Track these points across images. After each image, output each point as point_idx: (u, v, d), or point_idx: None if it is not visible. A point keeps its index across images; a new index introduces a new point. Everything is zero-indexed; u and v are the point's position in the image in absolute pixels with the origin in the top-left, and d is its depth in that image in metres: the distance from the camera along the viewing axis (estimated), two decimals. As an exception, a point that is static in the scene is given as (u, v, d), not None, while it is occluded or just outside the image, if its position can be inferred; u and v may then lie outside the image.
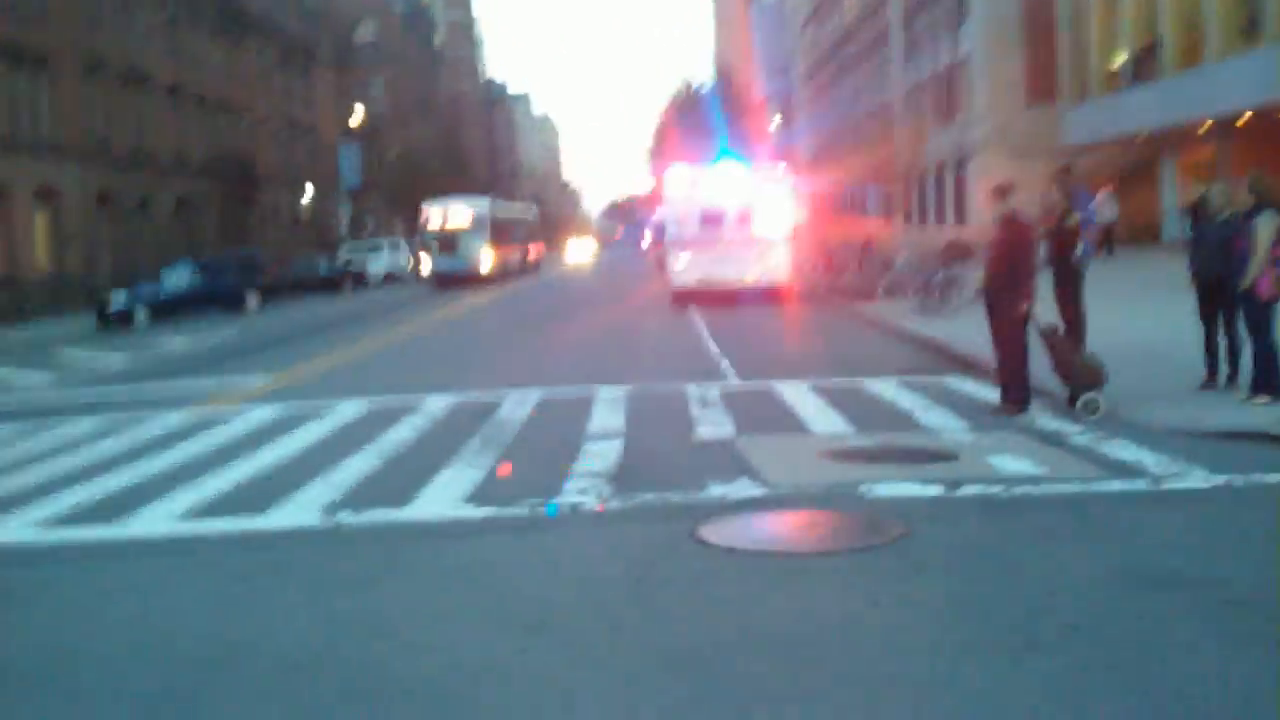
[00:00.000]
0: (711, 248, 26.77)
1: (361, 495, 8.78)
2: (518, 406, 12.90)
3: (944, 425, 10.56)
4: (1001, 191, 11.35)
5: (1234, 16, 29.80)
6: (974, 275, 20.61)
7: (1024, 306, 10.88)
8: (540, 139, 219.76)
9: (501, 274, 47.57)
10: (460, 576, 6.75)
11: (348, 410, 13.37)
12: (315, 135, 73.10)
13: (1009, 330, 11.00)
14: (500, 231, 48.86)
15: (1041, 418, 10.66)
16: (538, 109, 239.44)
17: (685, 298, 27.09)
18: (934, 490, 8.01)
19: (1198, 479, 8.09)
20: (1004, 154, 44.51)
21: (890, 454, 9.15)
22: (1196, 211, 21.31)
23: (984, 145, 44.79)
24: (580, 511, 7.98)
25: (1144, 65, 34.71)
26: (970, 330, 17.19)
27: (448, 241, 46.34)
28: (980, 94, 45.65)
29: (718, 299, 26.82)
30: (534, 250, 59.34)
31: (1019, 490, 7.96)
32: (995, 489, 7.97)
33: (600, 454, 9.75)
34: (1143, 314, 17.41)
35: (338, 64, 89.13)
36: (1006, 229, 11.11)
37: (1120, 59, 36.49)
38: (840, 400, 12.25)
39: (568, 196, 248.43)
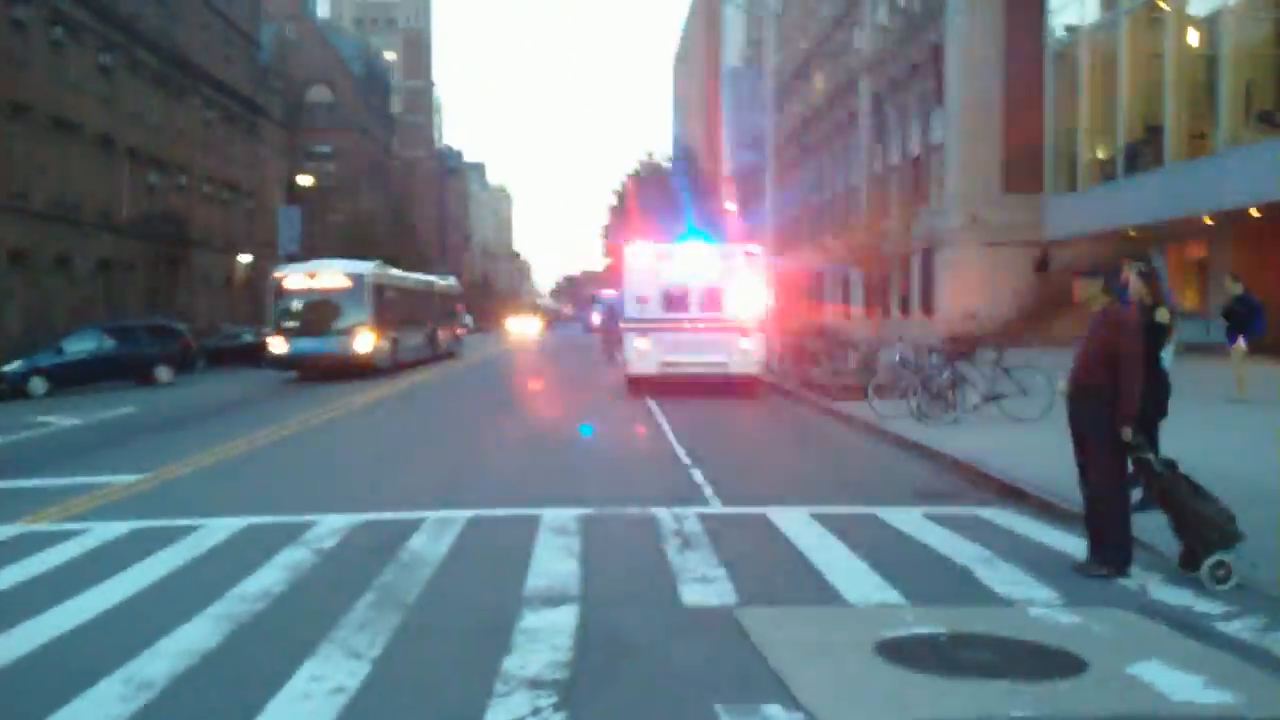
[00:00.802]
0: (675, 331, 23.95)
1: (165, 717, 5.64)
2: (436, 537, 9.80)
3: (1025, 593, 7.59)
4: (1107, 274, 8.51)
5: (1246, 103, 27.67)
6: (987, 374, 17.93)
7: (1128, 430, 8.03)
8: (493, 208, 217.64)
9: (392, 361, 35.55)
10: None
11: (214, 533, 10.21)
12: (257, 198, 69.92)
13: (1109, 459, 8.12)
14: (390, 306, 36.64)
15: (1151, 583, 7.76)
16: (493, 177, 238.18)
17: (643, 385, 24.24)
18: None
19: None
20: (977, 244, 42.41)
21: (982, 654, 6.15)
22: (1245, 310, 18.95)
23: (956, 234, 42.52)
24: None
25: (1140, 154, 32.56)
26: (991, 442, 14.39)
27: (312, 316, 33.83)
28: (953, 180, 43.50)
29: (680, 389, 23.96)
30: (446, 332, 47.19)
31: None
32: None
33: (545, 637, 6.65)
34: (1219, 437, 14.15)
35: (286, 124, 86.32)
36: (1109, 323, 8.28)
37: (1113, 147, 34.37)
38: (859, 540, 9.30)
39: (517, 268, 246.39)
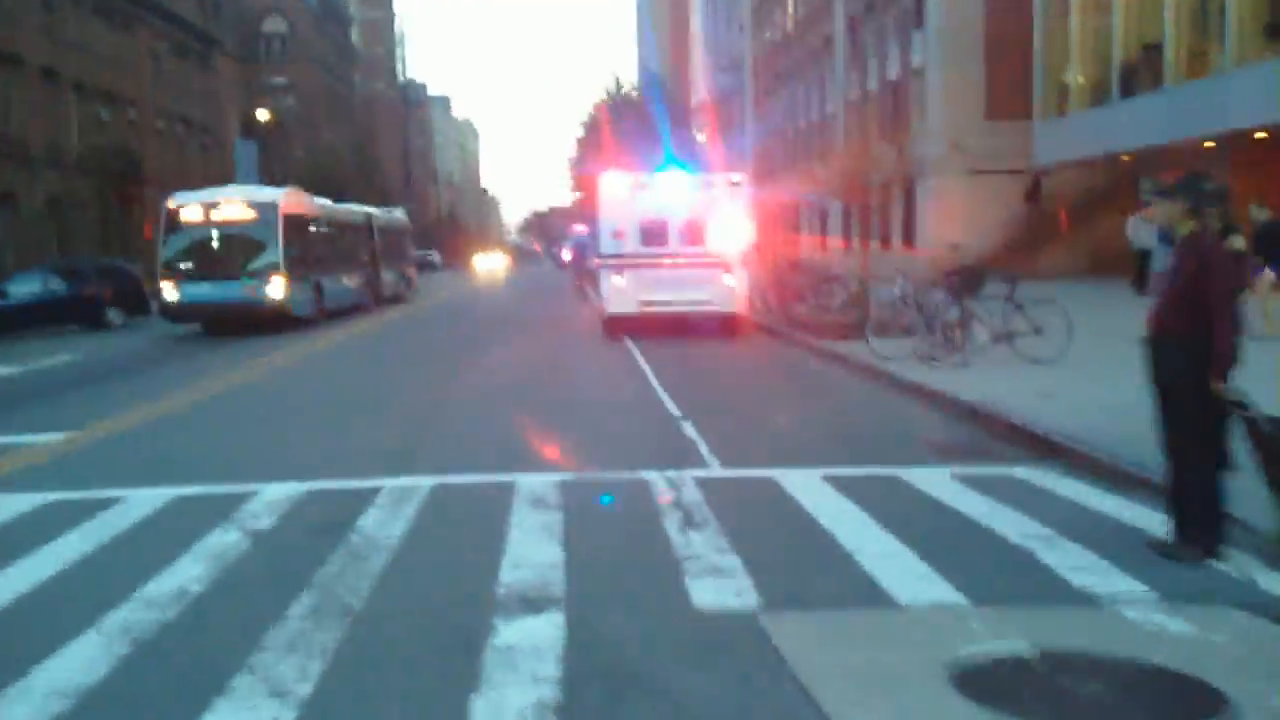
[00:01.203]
0: (655, 268, 22.47)
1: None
2: (393, 512, 8.37)
3: (1106, 584, 6.25)
4: (1188, 194, 7.06)
5: (1256, 17, 26.17)
6: (997, 310, 16.50)
7: (1221, 384, 6.67)
8: (460, 143, 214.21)
9: (315, 309, 30.17)
10: None
11: (135, 508, 8.76)
12: (213, 133, 67.52)
13: (1195, 416, 6.77)
14: (312, 243, 31.37)
15: (1254, 569, 6.46)
16: (458, 111, 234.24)
17: (620, 326, 22.78)
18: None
19: None
20: (960, 172, 40.97)
21: (1090, 685, 4.77)
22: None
23: (939, 163, 41.02)
24: None
25: (1136, 75, 31.09)
26: (1008, 386, 13.05)
27: (211, 255, 28.20)
28: (935, 106, 41.89)
29: (662, 329, 22.56)
30: (393, 273, 41.28)
31: None
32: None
33: (524, 661, 5.24)
34: (1248, 381, 12.95)
35: (241, 57, 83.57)
36: (1194, 253, 6.88)
37: (1107, 68, 32.87)
38: (888, 511, 7.94)
39: (486, 204, 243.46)
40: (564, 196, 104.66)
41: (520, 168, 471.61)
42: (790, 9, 65.90)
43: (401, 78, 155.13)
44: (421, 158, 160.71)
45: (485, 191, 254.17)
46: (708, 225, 22.39)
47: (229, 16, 79.15)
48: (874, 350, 16.47)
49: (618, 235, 22.65)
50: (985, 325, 16.13)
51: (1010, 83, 39.63)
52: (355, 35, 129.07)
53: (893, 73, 47.59)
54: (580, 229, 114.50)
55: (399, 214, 48.06)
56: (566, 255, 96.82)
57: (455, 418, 13.55)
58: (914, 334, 16.70)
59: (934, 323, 16.30)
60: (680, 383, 15.99)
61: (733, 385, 16.65)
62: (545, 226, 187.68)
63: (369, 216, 40.37)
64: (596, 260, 24.47)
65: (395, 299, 40.77)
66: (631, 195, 22.67)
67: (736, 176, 23.28)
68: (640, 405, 14.09)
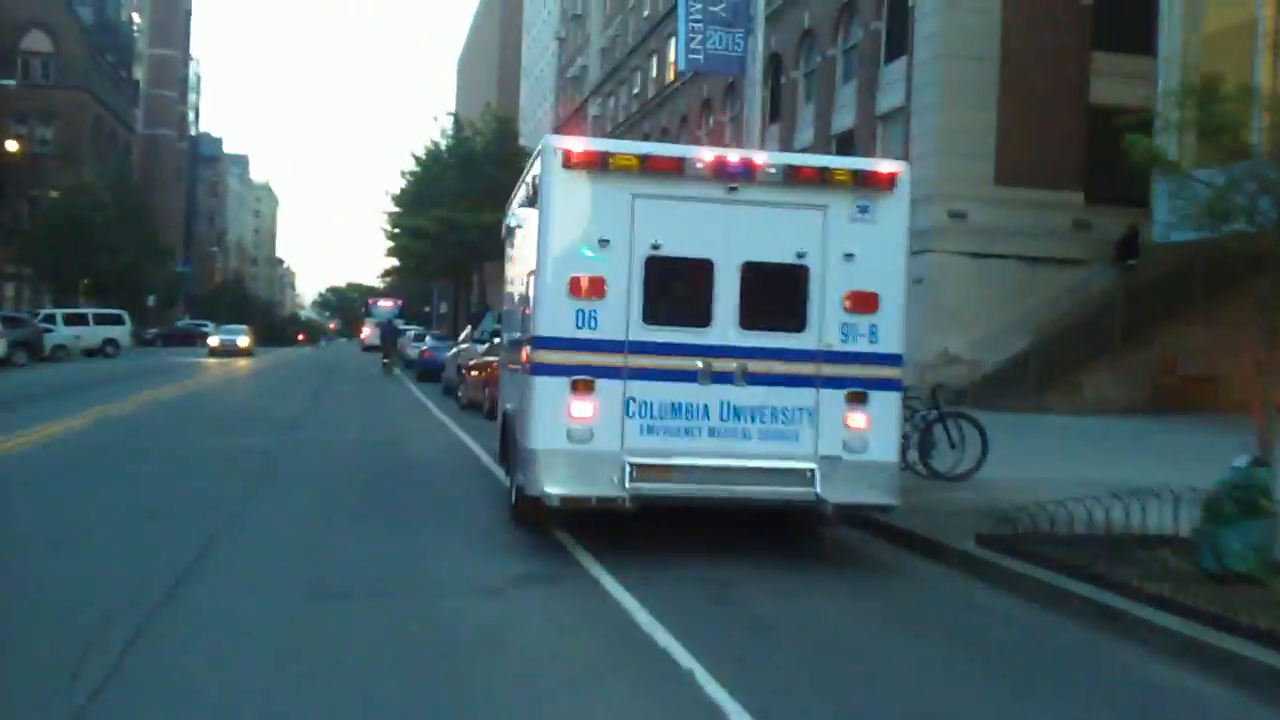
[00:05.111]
0: (679, 378, 9.48)
1: None
2: None
3: None
4: None
5: None
6: None
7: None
8: (254, 208, 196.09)
9: None
10: None
11: None
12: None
13: None
14: None
15: None
16: (258, 174, 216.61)
17: (560, 515, 9.62)
18: None
19: None
20: (958, 253, 29.51)
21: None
22: None
23: (934, 238, 29.18)
24: None
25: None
26: None
27: None
28: (924, 162, 30.15)
29: (665, 528, 9.72)
30: None
31: None
32: None
33: None
34: None
35: (-17, 68, 67.23)
36: None
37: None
38: None
39: (280, 276, 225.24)
40: (369, 274, 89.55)
41: (322, 240, 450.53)
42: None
43: (194, 129, 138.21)
44: (209, 218, 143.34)
45: (281, 262, 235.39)
46: (816, 280, 9.61)
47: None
48: None
49: (582, 292, 9.50)
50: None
51: (1038, 133, 28.56)
52: (141, 72, 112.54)
53: (844, 122, 35.91)
54: (386, 304, 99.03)
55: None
56: (366, 331, 79.79)
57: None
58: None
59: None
60: None
61: None
62: (343, 307, 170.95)
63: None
64: (526, 349, 10.77)
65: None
66: (624, 203, 9.53)
67: (889, 165, 10.20)
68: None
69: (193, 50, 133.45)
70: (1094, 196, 29.48)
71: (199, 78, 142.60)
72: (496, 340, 20.58)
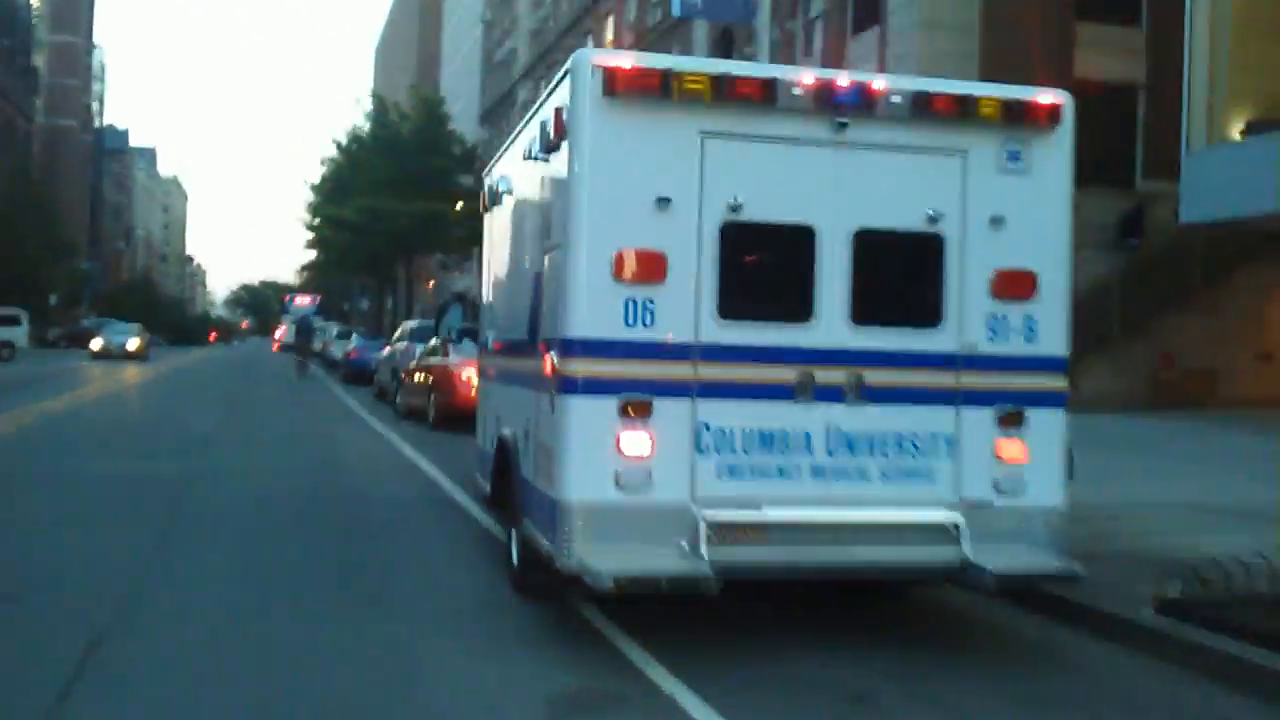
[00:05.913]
0: (771, 394, 6.61)
1: None
2: None
3: None
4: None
5: None
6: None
7: None
8: (164, 203, 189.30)
9: None
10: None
11: None
12: None
13: None
14: None
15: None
16: (166, 168, 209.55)
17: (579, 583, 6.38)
18: None
19: None
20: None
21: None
22: None
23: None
24: None
25: None
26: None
27: None
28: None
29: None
30: None
31: None
32: None
33: None
34: None
35: None
36: None
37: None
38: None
39: (190, 273, 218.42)
40: (284, 271, 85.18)
41: (236, 236, 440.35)
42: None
43: (99, 120, 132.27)
44: (115, 213, 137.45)
45: (191, 259, 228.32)
46: (950, 255, 6.87)
47: None
48: None
49: (632, 274, 6.57)
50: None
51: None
52: (41, 60, 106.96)
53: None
54: (304, 301, 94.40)
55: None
56: (280, 332, 75.54)
57: None
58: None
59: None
60: None
61: None
62: (257, 305, 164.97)
63: None
64: (554, 356, 7.02)
65: None
66: (690, 146, 6.65)
67: (1050, 94, 7.28)
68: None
69: (96, 38, 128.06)
70: (1079, 177, 27.19)
71: (104, 66, 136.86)
72: (466, 341, 17.45)
